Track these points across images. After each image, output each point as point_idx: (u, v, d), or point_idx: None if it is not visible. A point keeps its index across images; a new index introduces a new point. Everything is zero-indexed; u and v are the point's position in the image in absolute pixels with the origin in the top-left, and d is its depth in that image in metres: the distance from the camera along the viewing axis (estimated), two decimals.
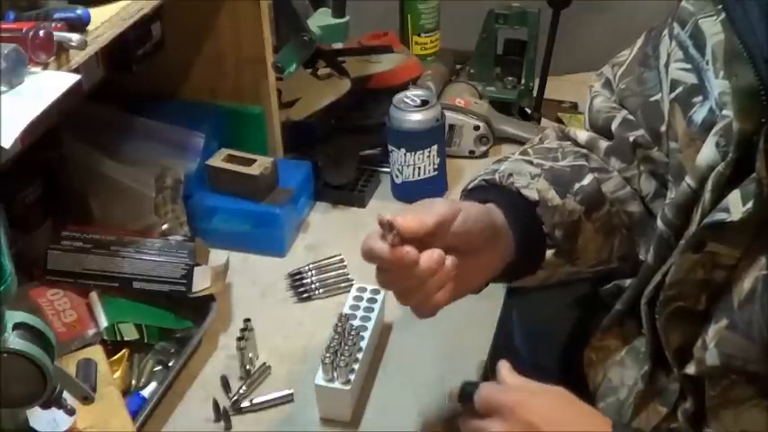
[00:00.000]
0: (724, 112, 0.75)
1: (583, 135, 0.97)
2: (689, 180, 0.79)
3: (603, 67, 1.02)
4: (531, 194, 0.89)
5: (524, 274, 0.92)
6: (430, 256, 0.78)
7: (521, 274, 0.91)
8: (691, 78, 0.81)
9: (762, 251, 0.71)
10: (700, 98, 0.80)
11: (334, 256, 1.18)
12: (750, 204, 0.70)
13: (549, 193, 0.89)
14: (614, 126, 0.94)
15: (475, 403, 0.79)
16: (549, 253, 0.90)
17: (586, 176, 0.92)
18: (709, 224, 0.74)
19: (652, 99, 0.90)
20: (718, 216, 0.73)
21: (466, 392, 0.81)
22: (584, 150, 0.96)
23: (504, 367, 0.84)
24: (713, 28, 0.78)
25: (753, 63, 0.72)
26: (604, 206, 0.92)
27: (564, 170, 0.93)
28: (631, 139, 0.92)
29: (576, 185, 0.91)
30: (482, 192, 0.91)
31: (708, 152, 0.76)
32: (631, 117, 0.94)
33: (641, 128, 0.93)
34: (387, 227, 0.76)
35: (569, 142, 0.98)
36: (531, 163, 0.93)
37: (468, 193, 0.92)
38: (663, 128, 0.88)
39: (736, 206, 0.71)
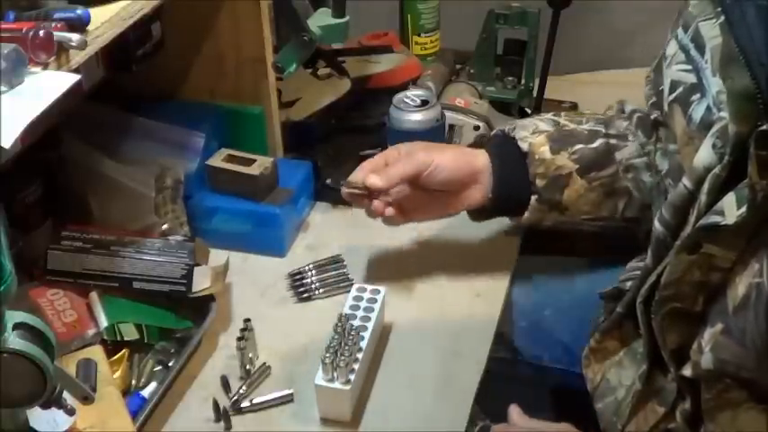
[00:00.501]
0: (721, 113, 0.75)
1: (629, 106, 1.10)
2: (685, 181, 0.79)
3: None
4: (523, 145, 1.06)
5: (509, 212, 1.10)
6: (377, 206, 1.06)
7: (505, 212, 1.11)
8: (690, 78, 0.82)
9: (755, 257, 0.71)
10: (698, 95, 0.80)
11: (335, 256, 1.18)
12: (744, 209, 0.70)
13: (540, 148, 1.05)
14: (648, 102, 1.01)
15: None
16: (533, 199, 1.06)
17: (597, 140, 1.06)
18: (704, 226, 0.74)
19: (660, 88, 0.91)
20: (713, 219, 0.73)
21: None
22: (623, 123, 1.08)
23: (514, 411, 0.96)
24: (712, 31, 0.78)
25: (749, 66, 0.72)
26: (607, 168, 1.05)
27: (581, 132, 1.07)
28: (653, 116, 0.98)
29: (578, 146, 1.05)
30: (494, 138, 1.12)
31: (704, 154, 0.76)
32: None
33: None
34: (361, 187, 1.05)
35: (622, 111, 1.11)
36: (555, 122, 1.09)
37: (489, 138, 1.15)
38: (661, 118, 0.89)
39: (730, 209, 0.71)
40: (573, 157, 1.04)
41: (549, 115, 1.11)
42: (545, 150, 1.04)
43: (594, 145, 1.05)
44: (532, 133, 1.06)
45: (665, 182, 0.89)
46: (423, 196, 1.07)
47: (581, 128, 1.07)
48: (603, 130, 1.06)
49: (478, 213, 1.11)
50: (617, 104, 1.13)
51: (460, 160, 1.06)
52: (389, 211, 1.05)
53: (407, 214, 1.08)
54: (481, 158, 1.07)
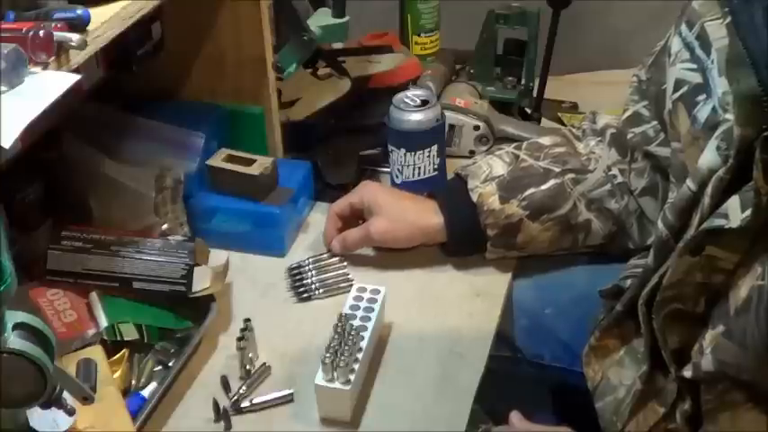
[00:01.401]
0: (726, 115, 0.74)
1: (601, 121, 1.13)
2: (689, 183, 0.79)
3: (645, 57, 1.06)
4: (473, 196, 1.10)
5: (469, 252, 1.14)
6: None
7: (467, 253, 1.14)
8: (696, 78, 0.81)
9: (757, 260, 0.71)
10: (703, 96, 0.80)
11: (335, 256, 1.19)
12: (749, 212, 0.69)
13: (489, 198, 1.09)
14: (622, 118, 1.06)
15: None
16: (488, 244, 1.11)
17: (549, 182, 1.08)
18: (708, 229, 0.73)
19: (662, 87, 0.91)
20: (717, 222, 0.73)
21: None
22: (591, 141, 1.11)
23: (515, 416, 0.97)
24: (718, 32, 0.78)
25: (756, 69, 0.72)
26: (561, 208, 1.08)
27: (535, 171, 1.09)
28: (629, 135, 1.01)
29: (528, 191, 1.08)
30: (451, 183, 1.17)
31: (709, 155, 0.76)
32: (644, 111, 1.00)
33: (648, 122, 0.96)
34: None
35: (595, 125, 1.13)
36: (515, 157, 1.12)
37: (450, 181, 1.19)
38: (665, 115, 0.89)
39: (735, 212, 0.71)
40: (522, 204, 1.08)
41: (512, 148, 1.14)
42: (494, 201, 1.08)
43: (546, 186, 1.08)
44: (483, 181, 1.10)
45: (670, 180, 0.89)
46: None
47: (537, 164, 1.10)
48: (558, 169, 1.09)
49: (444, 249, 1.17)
50: (588, 115, 1.16)
51: (415, 232, 1.13)
52: (334, 244, 1.17)
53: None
54: (435, 219, 1.12)
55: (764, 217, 0.69)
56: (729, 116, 0.74)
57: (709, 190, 0.75)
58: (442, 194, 1.15)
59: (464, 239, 1.12)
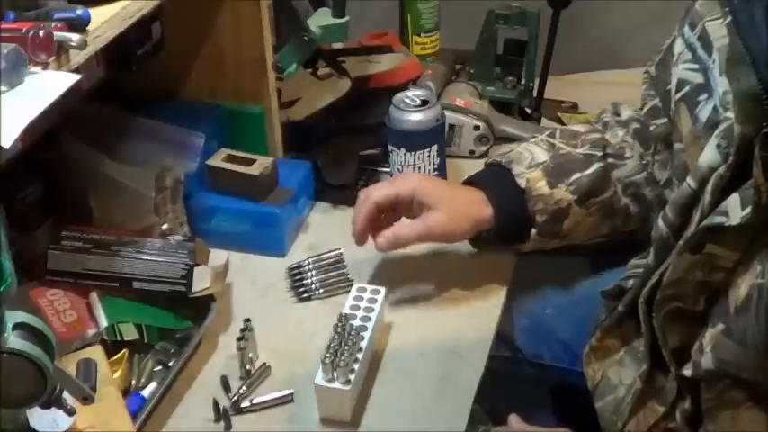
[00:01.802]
0: (727, 113, 0.74)
1: (626, 113, 1.11)
2: (689, 181, 0.79)
3: (654, 54, 1.05)
4: (520, 182, 1.06)
5: (511, 243, 1.11)
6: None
7: (508, 243, 1.11)
8: (698, 78, 0.82)
9: (757, 258, 0.71)
10: (705, 96, 0.80)
11: (334, 250, 1.19)
12: (748, 210, 0.70)
13: (537, 183, 1.05)
14: (644, 111, 1.05)
15: None
16: (533, 232, 1.07)
17: (593, 165, 1.05)
18: (708, 227, 0.74)
19: (668, 88, 0.91)
20: (717, 219, 0.73)
21: None
22: (619, 132, 1.09)
23: (513, 419, 0.96)
24: (719, 31, 0.78)
25: (756, 68, 0.72)
26: (605, 192, 1.05)
27: (576, 157, 1.07)
28: (651, 128, 1.01)
29: (575, 176, 1.05)
30: (491, 170, 1.11)
31: (709, 153, 0.76)
32: (660, 104, 0.99)
33: (665, 115, 0.96)
34: None
35: (618, 117, 1.11)
36: (551, 146, 1.09)
37: (485, 168, 1.14)
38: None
39: (735, 210, 0.71)
40: (570, 188, 1.05)
41: (545, 136, 1.11)
42: (542, 185, 1.05)
43: (590, 171, 1.05)
44: (528, 167, 1.06)
45: (672, 181, 0.89)
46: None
47: (576, 152, 1.07)
48: (600, 153, 1.06)
49: (476, 241, 1.13)
50: (611, 107, 1.14)
51: (472, 226, 1.07)
52: (381, 239, 1.08)
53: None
54: (487, 210, 1.06)
55: (764, 215, 0.70)
56: (730, 114, 0.74)
57: (709, 188, 0.75)
58: (488, 182, 1.09)
59: (510, 229, 1.07)
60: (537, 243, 1.08)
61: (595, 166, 1.05)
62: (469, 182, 1.11)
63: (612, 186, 1.06)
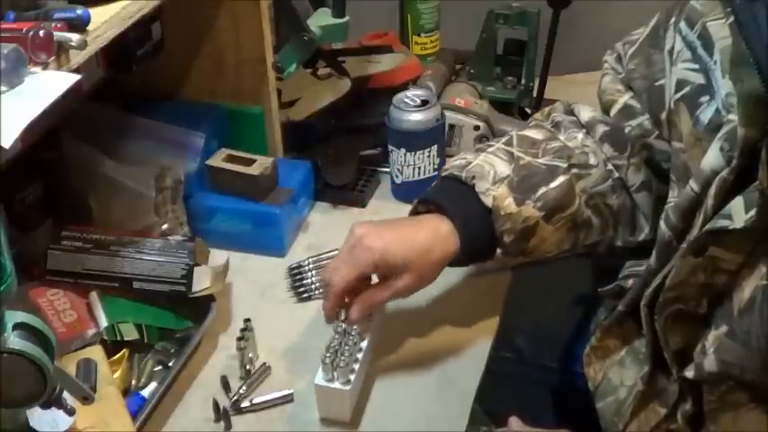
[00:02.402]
0: (730, 116, 0.74)
1: (586, 115, 1.01)
2: (692, 184, 0.78)
3: (617, 44, 1.03)
4: (486, 201, 0.96)
5: (474, 262, 1.03)
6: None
7: (471, 262, 1.03)
8: (698, 79, 0.81)
9: (762, 260, 0.71)
10: (707, 98, 0.79)
11: (334, 250, 1.18)
12: (753, 212, 0.69)
13: (505, 201, 0.96)
14: (613, 112, 0.98)
15: None
16: (498, 252, 0.99)
17: (558, 178, 0.97)
18: (711, 230, 0.73)
19: (657, 84, 0.90)
20: (721, 223, 0.72)
21: None
22: (579, 135, 1.00)
23: (513, 421, 0.93)
24: (721, 31, 0.77)
25: (759, 69, 0.71)
26: (571, 206, 0.97)
27: (538, 168, 0.98)
28: (627, 129, 0.95)
29: (541, 190, 0.96)
30: (449, 186, 1.00)
31: (712, 157, 0.75)
32: (633, 102, 0.96)
33: (642, 114, 0.94)
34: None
35: (573, 118, 1.03)
36: (510, 155, 0.99)
37: (439, 183, 1.03)
38: (663, 115, 0.88)
39: (738, 213, 0.71)
40: (538, 204, 0.96)
41: (501, 144, 1.02)
42: (509, 203, 0.96)
43: (556, 184, 0.97)
44: (493, 183, 0.97)
45: (671, 179, 0.89)
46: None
47: (538, 162, 0.98)
48: (564, 164, 0.98)
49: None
50: (561, 105, 1.06)
51: (440, 268, 0.98)
52: (353, 312, 0.96)
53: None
54: (452, 244, 0.96)
55: (767, 218, 0.69)
56: (733, 117, 0.73)
57: (712, 191, 0.75)
58: (452, 205, 0.98)
59: (475, 251, 0.99)
60: (499, 262, 1.03)
61: (561, 179, 0.97)
62: (429, 201, 1.00)
63: (577, 199, 0.98)
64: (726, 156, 0.74)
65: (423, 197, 1.01)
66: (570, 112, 1.04)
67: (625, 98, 0.97)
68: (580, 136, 1.00)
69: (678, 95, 0.84)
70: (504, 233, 0.97)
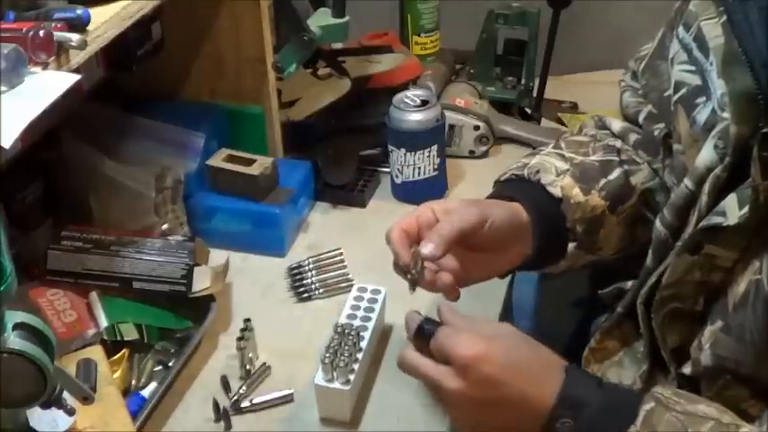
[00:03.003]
0: (724, 114, 0.74)
1: (617, 125, 1.02)
2: (687, 181, 0.79)
3: (629, 62, 1.03)
4: (555, 191, 0.93)
5: (547, 263, 0.96)
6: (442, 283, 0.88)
7: (543, 264, 0.96)
8: (695, 80, 0.81)
9: (757, 255, 0.71)
10: (703, 98, 0.80)
11: (334, 250, 1.18)
12: (746, 209, 0.70)
13: (573, 191, 0.93)
14: (641, 119, 0.98)
15: (432, 349, 0.78)
16: (571, 246, 0.94)
17: (614, 171, 0.96)
18: (706, 227, 0.74)
19: (666, 94, 0.90)
20: (715, 220, 0.73)
21: (424, 331, 0.80)
22: (617, 143, 0.99)
23: (444, 308, 0.85)
24: (714, 30, 0.78)
25: (751, 67, 0.72)
26: (631, 198, 0.95)
27: (593, 165, 0.96)
28: (656, 132, 0.94)
29: (603, 181, 0.95)
30: (511, 185, 0.96)
31: (706, 154, 0.76)
32: (655, 110, 0.96)
33: (662, 120, 0.94)
34: (415, 257, 0.85)
35: (606, 131, 1.02)
36: (562, 156, 0.97)
37: (501, 185, 0.98)
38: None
39: (732, 210, 0.71)
40: (602, 194, 0.94)
41: (550, 149, 1.00)
42: (577, 193, 0.93)
43: (615, 176, 0.95)
44: (557, 176, 0.94)
45: (671, 181, 0.89)
46: (467, 260, 0.89)
47: (591, 159, 0.97)
48: (617, 158, 0.97)
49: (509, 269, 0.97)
50: (592, 120, 1.06)
51: (504, 213, 0.89)
52: (446, 277, 0.87)
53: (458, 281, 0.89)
54: (519, 212, 0.91)
55: (762, 214, 0.70)
56: (726, 115, 0.74)
57: (706, 188, 0.75)
58: (522, 198, 0.92)
59: (551, 241, 0.92)
60: (572, 260, 0.96)
61: (617, 172, 0.96)
62: (496, 197, 0.94)
63: (635, 192, 0.96)
64: (720, 153, 0.74)
65: (495, 188, 0.97)
66: (602, 126, 1.04)
67: (648, 107, 0.98)
68: (618, 144, 1.00)
69: (676, 97, 0.84)
70: (576, 222, 0.93)
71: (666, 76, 0.91)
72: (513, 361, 0.74)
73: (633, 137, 1.00)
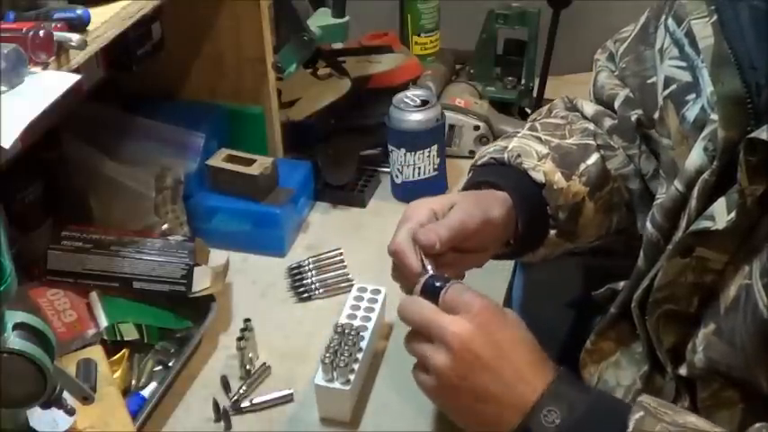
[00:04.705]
0: (713, 115, 0.74)
1: (589, 108, 0.99)
2: (677, 184, 0.78)
3: (607, 42, 1.02)
4: (539, 177, 0.90)
5: (526, 251, 0.94)
6: None
7: (522, 253, 0.95)
8: (685, 76, 0.80)
9: (746, 259, 0.71)
10: (693, 96, 0.79)
11: (334, 250, 1.18)
12: (734, 214, 0.69)
13: (555, 176, 0.91)
14: (617, 104, 0.96)
15: (441, 302, 0.77)
16: (552, 233, 0.92)
17: (592, 155, 0.94)
18: (695, 231, 0.73)
19: (649, 81, 0.89)
20: (704, 224, 0.72)
21: (433, 287, 0.78)
22: (591, 126, 0.97)
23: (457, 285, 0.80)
24: (704, 30, 0.76)
25: (740, 69, 0.71)
26: (608, 185, 0.94)
27: (571, 149, 0.94)
28: (633, 118, 0.93)
29: (582, 166, 0.93)
30: (492, 170, 0.93)
31: (696, 157, 0.75)
32: (632, 95, 0.94)
33: (639, 107, 0.93)
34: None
35: (577, 113, 1.00)
36: (539, 140, 0.95)
37: (479, 170, 0.95)
38: (656, 114, 0.88)
39: (720, 214, 0.71)
40: (582, 179, 0.92)
41: (526, 131, 0.97)
42: (559, 179, 0.91)
43: (593, 161, 0.93)
44: (538, 160, 0.92)
45: (660, 176, 0.88)
46: (456, 259, 0.88)
47: (568, 143, 0.95)
48: (593, 142, 0.95)
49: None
50: (561, 101, 1.03)
51: (507, 210, 0.89)
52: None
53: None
54: (510, 203, 0.89)
55: (749, 218, 0.69)
56: (715, 116, 0.73)
57: (695, 192, 0.75)
58: (505, 184, 0.90)
59: (531, 233, 0.91)
60: (551, 248, 0.95)
61: (595, 156, 0.93)
62: (478, 185, 0.93)
63: (611, 178, 0.94)
64: (709, 156, 0.73)
65: (465, 186, 0.95)
66: (573, 108, 1.02)
67: (625, 91, 0.95)
68: (592, 126, 0.97)
69: (666, 93, 0.83)
70: (558, 209, 0.91)
71: (651, 64, 0.89)
72: (502, 341, 0.73)
73: (608, 122, 0.97)
